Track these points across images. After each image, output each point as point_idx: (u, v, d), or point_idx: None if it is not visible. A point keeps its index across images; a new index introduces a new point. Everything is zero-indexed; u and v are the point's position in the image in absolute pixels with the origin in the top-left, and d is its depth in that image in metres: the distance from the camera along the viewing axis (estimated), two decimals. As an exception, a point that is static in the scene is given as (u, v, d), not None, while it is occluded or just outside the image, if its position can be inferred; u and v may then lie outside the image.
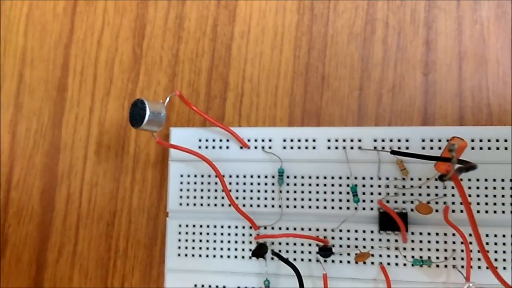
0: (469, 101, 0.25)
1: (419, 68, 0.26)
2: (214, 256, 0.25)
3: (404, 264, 0.24)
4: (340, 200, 0.25)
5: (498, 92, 0.25)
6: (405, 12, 0.26)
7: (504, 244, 0.23)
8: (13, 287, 0.29)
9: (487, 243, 0.23)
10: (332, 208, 0.25)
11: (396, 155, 0.23)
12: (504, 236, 0.23)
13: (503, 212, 0.23)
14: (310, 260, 0.25)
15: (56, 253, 0.28)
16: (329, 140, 0.25)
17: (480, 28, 0.26)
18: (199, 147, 0.26)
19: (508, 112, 0.25)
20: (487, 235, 0.23)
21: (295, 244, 0.25)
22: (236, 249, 0.25)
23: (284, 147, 0.25)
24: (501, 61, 0.25)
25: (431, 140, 0.24)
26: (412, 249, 0.24)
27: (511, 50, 0.25)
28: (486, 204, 0.23)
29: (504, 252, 0.23)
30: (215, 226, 0.26)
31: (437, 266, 0.23)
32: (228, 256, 0.25)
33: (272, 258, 0.25)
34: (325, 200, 0.25)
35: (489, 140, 0.24)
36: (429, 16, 0.26)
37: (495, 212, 0.23)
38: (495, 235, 0.23)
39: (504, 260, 0.23)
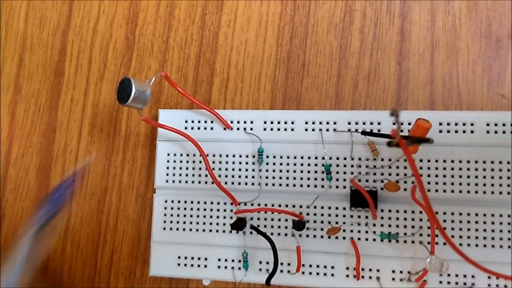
0: (440, 87, 0.27)
1: (393, 57, 0.28)
2: (197, 230, 0.27)
3: (374, 239, 0.25)
4: (316, 179, 0.26)
5: (467, 79, 0.27)
6: (382, 3, 0.28)
7: (453, 221, 0.25)
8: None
9: (444, 221, 0.24)
10: (308, 186, 0.26)
11: (367, 136, 0.25)
12: (460, 214, 0.24)
13: (468, 192, 0.25)
14: (286, 234, 0.26)
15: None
16: (306, 123, 0.26)
17: (452, 19, 0.27)
18: (185, 128, 0.28)
19: (477, 98, 0.26)
20: (444, 213, 0.25)
21: (272, 219, 0.26)
22: (217, 224, 0.27)
23: (265, 129, 0.27)
24: (471, 50, 0.27)
25: (401, 123, 0.25)
26: (381, 225, 0.25)
27: (480, 40, 0.27)
28: (452, 184, 0.25)
29: (452, 229, 0.25)
30: (198, 202, 0.27)
31: (405, 241, 0.25)
32: (210, 230, 0.27)
33: (251, 233, 0.26)
34: (301, 178, 0.26)
35: (456, 124, 0.25)
36: (404, 7, 0.28)
37: (460, 192, 0.25)
38: (452, 213, 0.25)
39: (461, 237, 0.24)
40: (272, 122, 0.27)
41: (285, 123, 0.27)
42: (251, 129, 0.27)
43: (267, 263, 0.26)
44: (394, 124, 0.25)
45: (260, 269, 0.26)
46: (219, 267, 0.26)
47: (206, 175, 0.27)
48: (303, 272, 0.26)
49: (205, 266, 0.27)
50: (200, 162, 0.27)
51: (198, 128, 0.28)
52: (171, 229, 0.27)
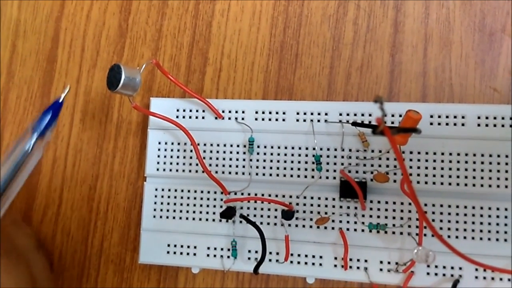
0: (432, 80, 0.27)
1: (386, 49, 0.27)
2: (187, 218, 0.27)
3: (362, 230, 0.25)
4: (306, 169, 0.26)
5: (460, 72, 0.27)
6: (376, -6, 0.28)
7: (442, 213, 0.25)
8: None
9: (433, 213, 0.25)
10: (298, 176, 0.26)
11: (357, 127, 0.25)
12: (449, 206, 0.24)
13: (458, 184, 0.25)
14: (275, 224, 0.26)
15: (41, 213, 0.30)
16: (298, 113, 0.26)
17: (446, 12, 0.27)
18: (177, 117, 0.28)
19: (469, 91, 0.26)
20: (433, 205, 0.25)
21: (262, 209, 0.26)
22: (207, 213, 0.27)
23: (256, 119, 0.27)
24: (465, 43, 0.27)
25: (392, 115, 0.25)
26: (370, 216, 0.25)
27: (474, 33, 0.27)
28: (442, 176, 0.25)
29: (441, 220, 0.25)
30: (188, 191, 0.27)
31: (393, 232, 0.25)
32: (200, 219, 0.27)
33: (240, 222, 0.26)
34: (291, 168, 0.26)
35: (447, 116, 0.25)
36: (398, -1, 0.28)
37: (450, 184, 0.25)
38: (441, 205, 0.25)
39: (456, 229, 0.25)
40: (263, 112, 0.27)
41: (277, 113, 0.27)
42: (243, 118, 0.27)
43: (256, 252, 0.26)
44: (385, 115, 0.25)
45: (249, 258, 0.26)
46: (208, 255, 0.27)
47: (197, 164, 0.27)
48: (291, 262, 0.26)
49: (194, 254, 0.27)
50: (191, 151, 0.27)
51: (190, 117, 0.28)
52: (161, 217, 0.27)
